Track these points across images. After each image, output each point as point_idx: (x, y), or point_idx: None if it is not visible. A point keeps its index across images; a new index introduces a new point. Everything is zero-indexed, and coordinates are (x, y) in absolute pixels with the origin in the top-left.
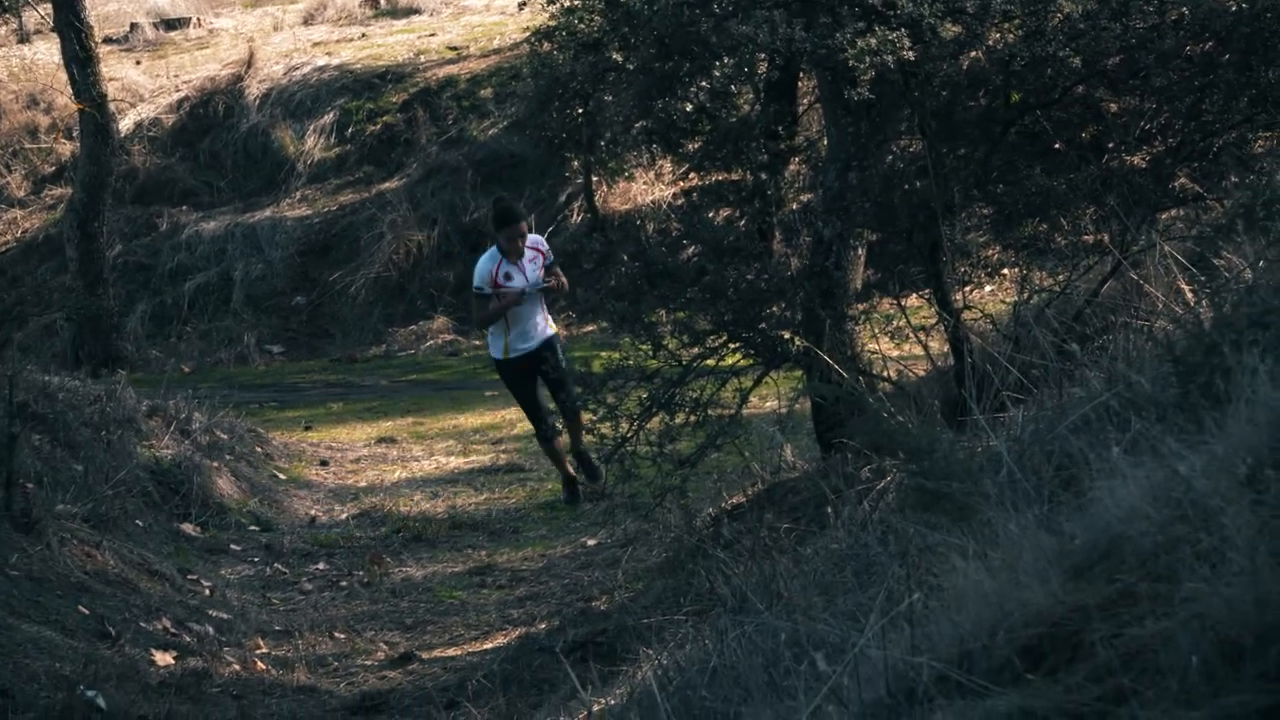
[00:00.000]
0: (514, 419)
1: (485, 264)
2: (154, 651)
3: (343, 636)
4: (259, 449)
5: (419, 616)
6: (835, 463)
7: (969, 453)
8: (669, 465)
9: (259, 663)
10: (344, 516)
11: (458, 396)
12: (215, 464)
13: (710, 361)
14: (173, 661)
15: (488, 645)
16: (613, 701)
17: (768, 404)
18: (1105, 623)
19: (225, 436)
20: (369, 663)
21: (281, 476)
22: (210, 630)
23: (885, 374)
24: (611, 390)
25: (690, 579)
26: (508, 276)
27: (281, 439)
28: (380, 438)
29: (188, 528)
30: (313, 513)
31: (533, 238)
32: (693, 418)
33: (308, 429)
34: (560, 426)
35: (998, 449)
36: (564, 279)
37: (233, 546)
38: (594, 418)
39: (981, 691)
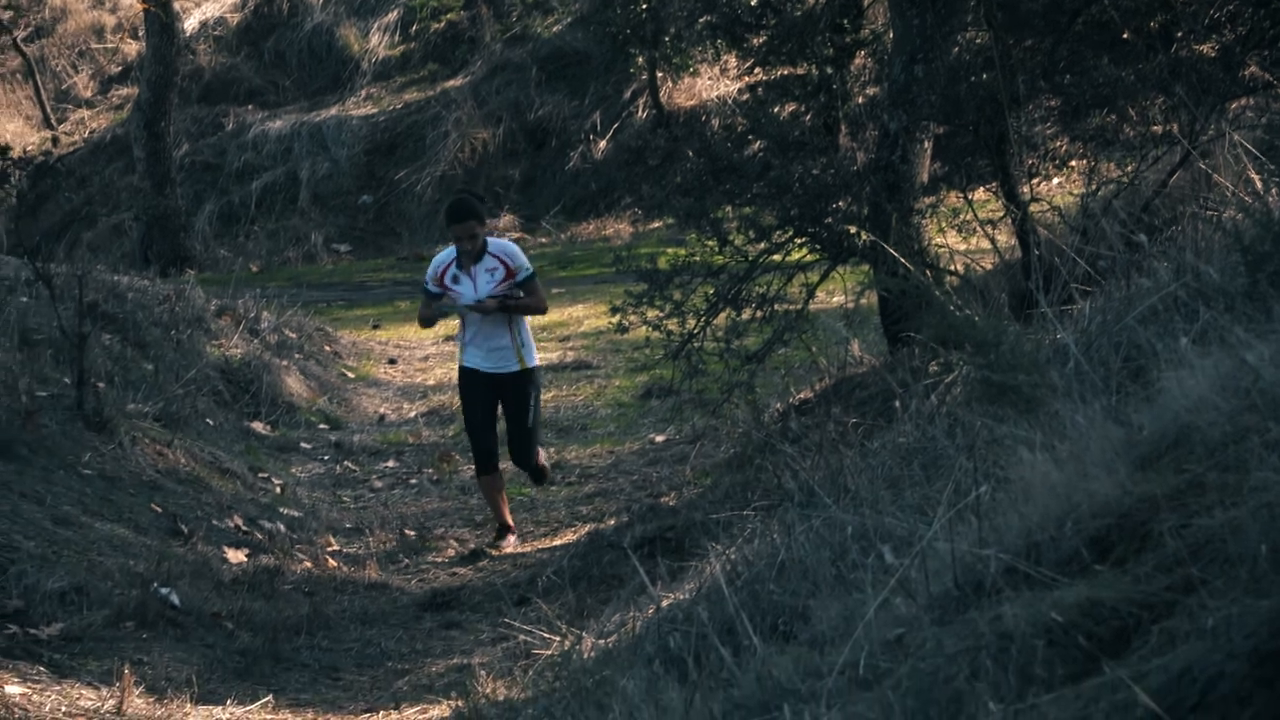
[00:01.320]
0: (581, 316)
1: (439, 259)
2: (226, 549)
3: (413, 534)
4: (327, 347)
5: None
6: (902, 357)
7: (1036, 345)
8: (736, 361)
9: (330, 560)
10: (413, 414)
11: None
12: (284, 363)
13: (776, 257)
14: (245, 559)
15: (557, 542)
16: (681, 596)
17: (834, 299)
18: (1174, 513)
19: (294, 335)
20: (439, 560)
21: (350, 375)
22: (281, 528)
23: (952, 268)
24: (678, 287)
25: (758, 474)
26: (454, 280)
27: (349, 337)
28: (447, 335)
29: (258, 426)
30: (382, 411)
31: (503, 245)
32: (759, 313)
33: (376, 327)
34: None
35: (1065, 341)
36: (531, 300)
37: (303, 444)
38: (661, 312)
39: (1049, 583)
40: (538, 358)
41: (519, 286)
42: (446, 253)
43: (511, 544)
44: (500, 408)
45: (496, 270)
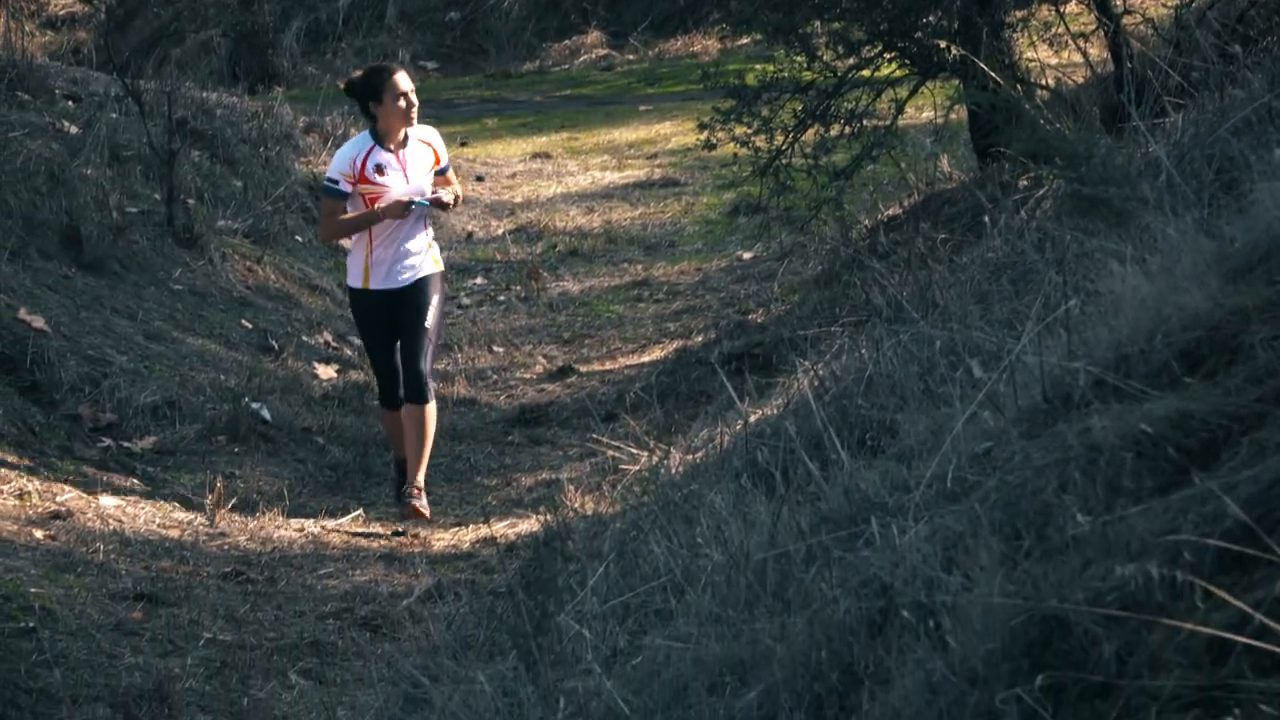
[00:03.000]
0: (669, 133)
1: (346, 150)
2: (316, 364)
3: (501, 350)
4: None
5: (576, 330)
6: (992, 172)
7: (1127, 158)
8: (824, 177)
9: None
10: (500, 231)
11: (612, 111)
12: None
13: (865, 72)
14: (334, 375)
15: (645, 358)
16: (768, 412)
17: (923, 114)
18: (1265, 325)
19: None
20: (527, 376)
21: None
22: None
23: (1043, 82)
24: (766, 103)
25: (846, 290)
26: (379, 171)
27: None
28: (535, 153)
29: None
30: (469, 228)
31: (425, 129)
32: (848, 129)
33: (463, 145)
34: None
35: (1157, 154)
36: (458, 190)
37: None
38: (749, 129)
39: (1139, 395)
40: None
41: (439, 176)
42: (355, 141)
43: (422, 507)
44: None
45: (425, 156)
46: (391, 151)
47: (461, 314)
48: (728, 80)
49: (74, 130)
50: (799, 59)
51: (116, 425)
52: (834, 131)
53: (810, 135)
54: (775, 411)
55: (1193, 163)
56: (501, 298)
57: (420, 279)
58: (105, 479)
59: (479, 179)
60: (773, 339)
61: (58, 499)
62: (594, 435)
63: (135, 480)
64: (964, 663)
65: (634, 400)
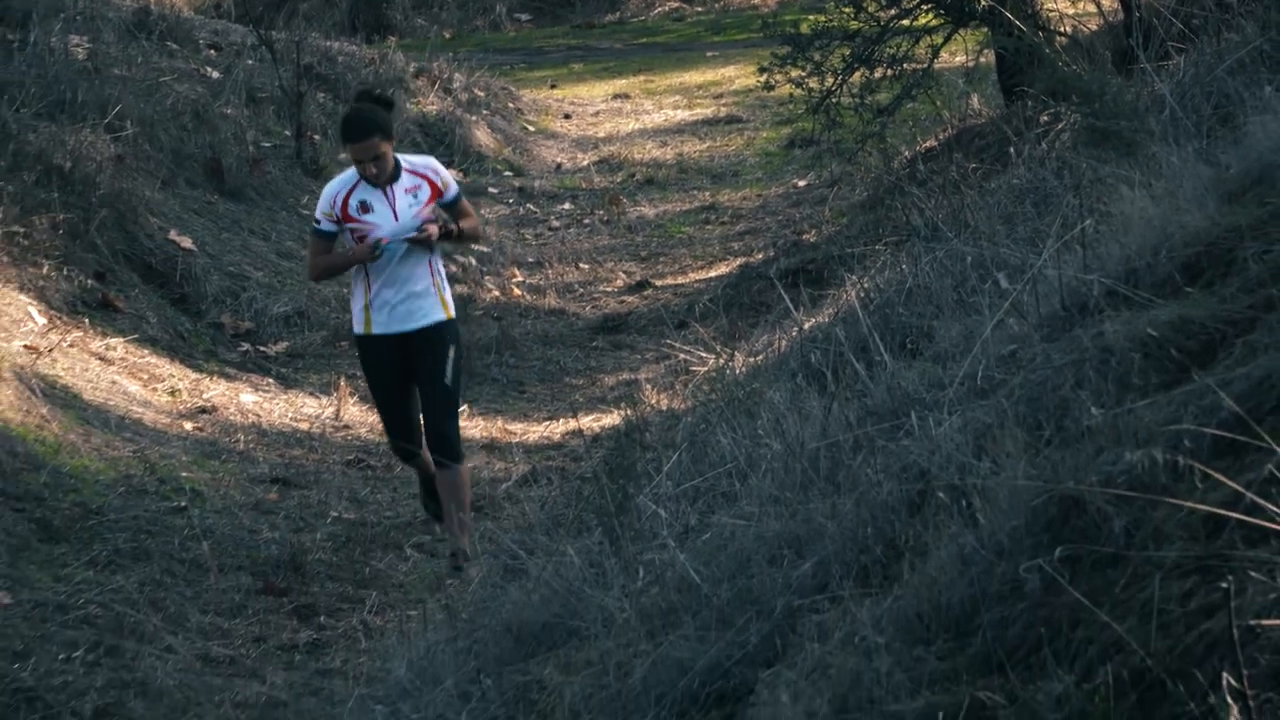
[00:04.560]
0: (733, 76)
1: (331, 187)
2: None
3: (586, 267)
4: (511, 104)
5: (652, 249)
6: (1016, 109)
7: (1136, 95)
8: (869, 114)
9: (515, 289)
10: (585, 163)
11: (683, 57)
12: (474, 118)
13: (905, 21)
14: None
15: (712, 274)
16: (820, 320)
17: (956, 59)
18: (1257, 241)
19: (482, 94)
20: (609, 289)
21: (530, 128)
22: (473, 261)
23: (1061, 29)
24: (818, 49)
25: (888, 213)
26: (364, 207)
27: (530, 96)
28: (615, 94)
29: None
30: (558, 160)
31: (423, 160)
32: (889, 72)
33: (553, 87)
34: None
35: (1162, 91)
36: (469, 224)
37: (490, 189)
38: (803, 72)
39: (1146, 303)
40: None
41: (448, 209)
42: (342, 178)
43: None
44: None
45: (420, 189)
46: (378, 188)
47: (551, 235)
48: (784, 29)
49: (215, 75)
50: (847, 10)
51: (254, 332)
52: (877, 74)
53: (857, 77)
54: (826, 319)
55: (1193, 99)
56: (586, 221)
57: (432, 325)
58: (245, 378)
59: (566, 117)
60: (824, 256)
61: (204, 396)
62: (668, 341)
63: (270, 380)
64: (992, 537)
65: (703, 310)
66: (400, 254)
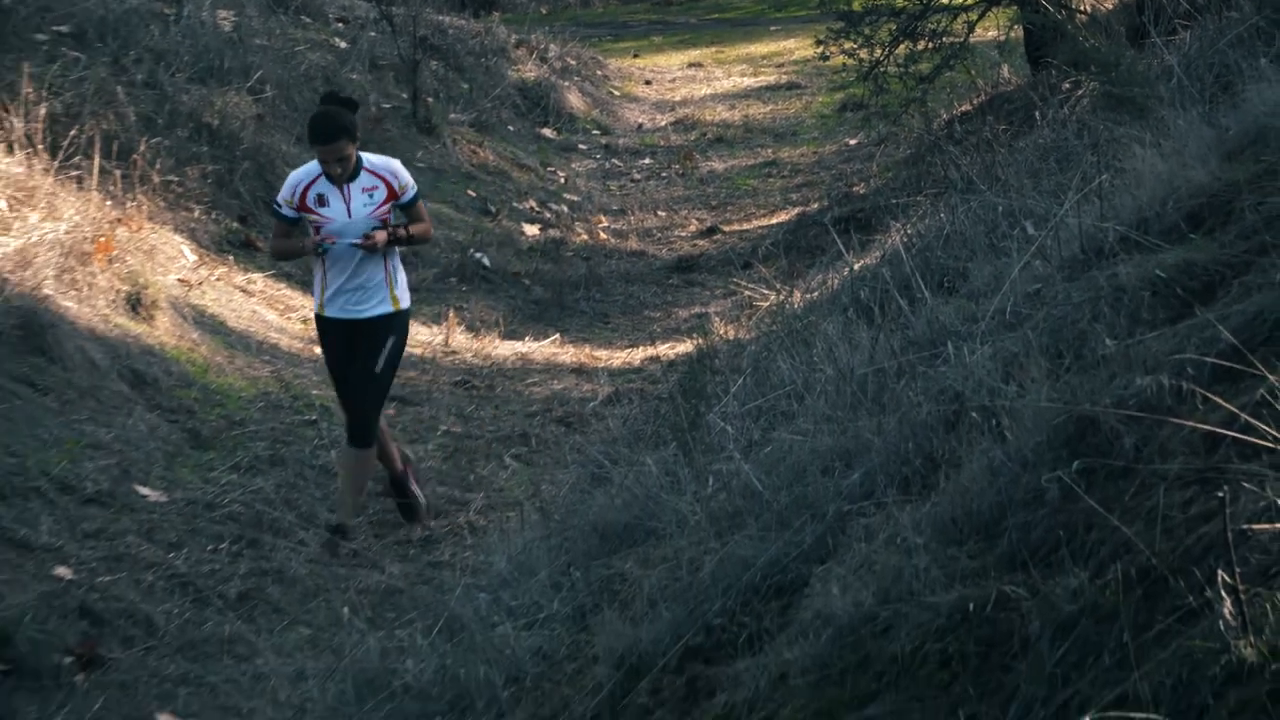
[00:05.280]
0: (793, 48)
1: (295, 175)
2: (523, 225)
3: (663, 214)
4: (598, 71)
5: (720, 199)
6: (1042, 77)
7: (1147, 66)
8: (912, 82)
9: (601, 234)
10: (663, 123)
11: (749, 30)
12: (566, 83)
13: (944, 0)
14: (538, 232)
15: (773, 221)
16: (869, 261)
17: (989, 33)
18: (1252, 194)
19: (573, 62)
20: (683, 234)
21: (615, 93)
22: (565, 209)
23: (1082, 7)
24: (868, 24)
25: (928, 169)
26: (321, 200)
27: (615, 64)
28: (690, 63)
29: (546, 132)
30: (639, 120)
31: (385, 161)
32: (930, 45)
33: (635, 56)
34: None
35: (1170, 63)
36: (420, 229)
37: (580, 146)
38: (854, 44)
39: (1154, 248)
40: (409, 295)
41: (404, 210)
42: (306, 168)
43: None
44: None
45: (376, 190)
46: (336, 185)
47: (633, 186)
48: (839, 6)
49: (343, 45)
50: None
51: None
52: (920, 46)
53: (901, 49)
54: (874, 261)
55: (1197, 70)
56: (664, 174)
57: (376, 316)
58: None
59: (647, 83)
60: (872, 206)
61: None
62: (734, 279)
63: None
64: (1017, 452)
65: (765, 253)
66: (347, 250)
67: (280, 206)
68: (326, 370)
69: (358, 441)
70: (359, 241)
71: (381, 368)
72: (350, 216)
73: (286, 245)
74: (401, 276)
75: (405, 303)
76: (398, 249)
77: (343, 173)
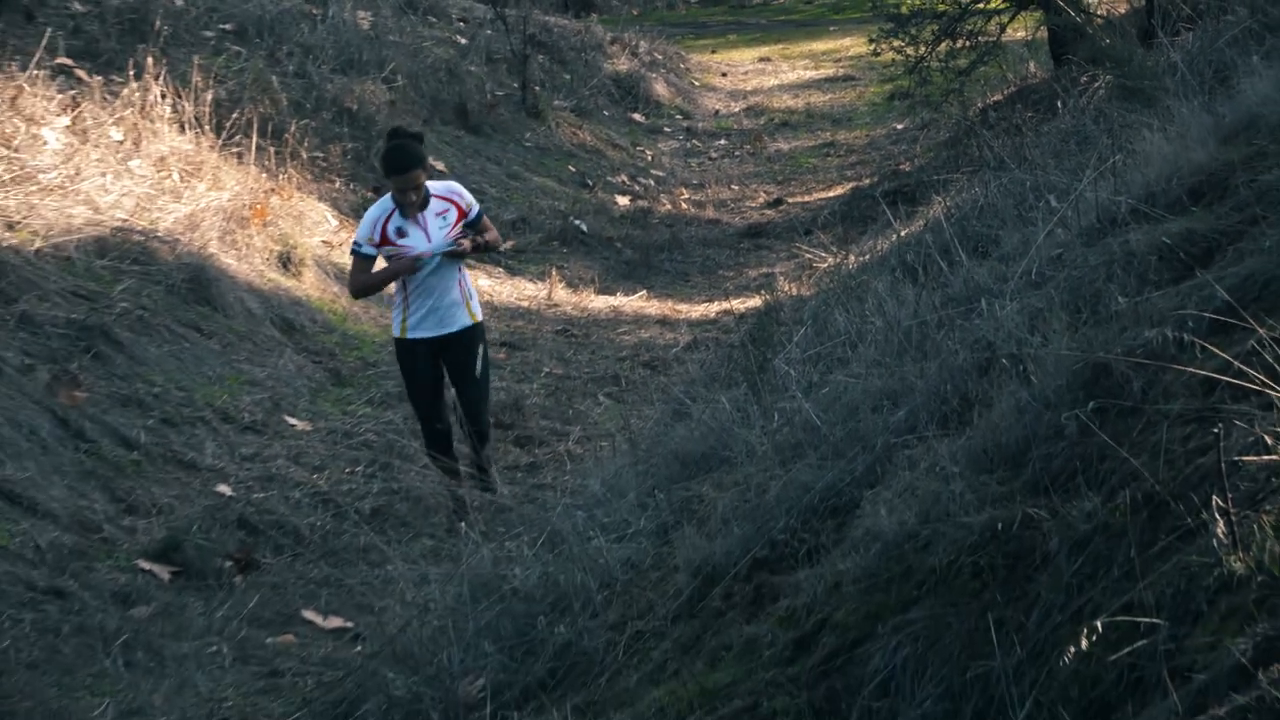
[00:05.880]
0: (849, 45)
1: (371, 214)
2: (616, 196)
3: (736, 188)
4: (681, 65)
5: (786, 175)
6: (1064, 72)
7: (1155, 62)
8: (952, 75)
9: (682, 204)
10: (737, 110)
11: (812, 30)
12: (653, 75)
13: (980, 4)
14: (628, 202)
15: (831, 194)
16: (913, 229)
17: (1018, 34)
18: (1245, 172)
19: (660, 56)
20: (753, 205)
21: (696, 83)
22: (651, 183)
23: (1099, 11)
24: (914, 25)
25: (965, 150)
26: (400, 233)
27: (695, 59)
28: (760, 58)
29: (636, 116)
30: (716, 107)
31: (446, 185)
32: (967, 43)
33: (713, 52)
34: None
35: (1175, 59)
36: (491, 236)
37: (665, 129)
38: (902, 42)
39: (1160, 219)
40: (481, 310)
41: (471, 226)
42: (378, 207)
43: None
44: (446, 372)
45: (448, 213)
46: (410, 215)
47: (710, 164)
48: (888, 9)
49: (463, 41)
50: None
51: None
52: (958, 44)
53: (943, 47)
54: (918, 229)
55: (1198, 65)
56: (737, 153)
57: (462, 329)
58: (481, 268)
59: (723, 75)
60: (916, 181)
61: None
62: (797, 244)
63: (500, 269)
64: (1040, 393)
65: (823, 221)
66: (434, 266)
67: (361, 246)
68: (408, 391)
69: (482, 438)
70: (453, 249)
71: (480, 370)
72: (430, 241)
73: (371, 279)
74: (475, 294)
75: (480, 316)
76: (467, 273)
77: (417, 200)
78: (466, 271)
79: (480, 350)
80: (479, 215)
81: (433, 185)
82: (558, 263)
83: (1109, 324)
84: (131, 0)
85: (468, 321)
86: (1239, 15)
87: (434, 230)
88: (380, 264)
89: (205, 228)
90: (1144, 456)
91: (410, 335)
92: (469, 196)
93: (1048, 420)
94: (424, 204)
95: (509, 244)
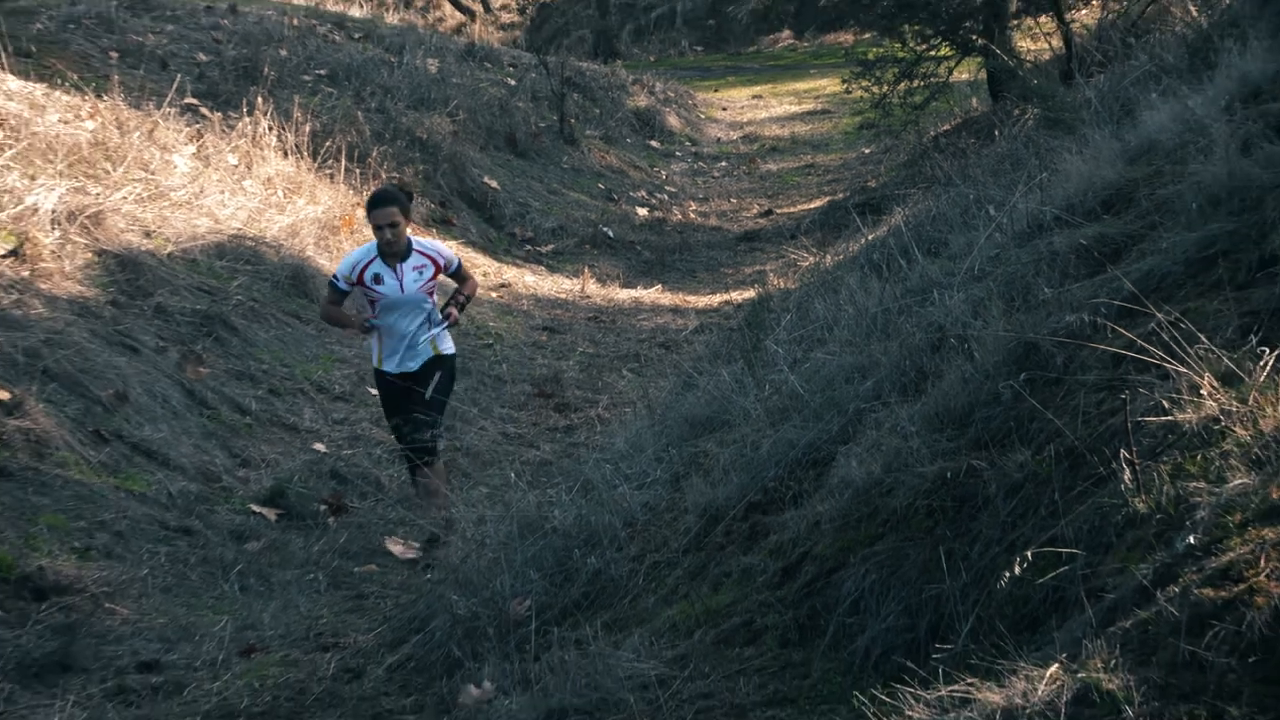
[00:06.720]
0: (825, 85)
1: (355, 255)
2: (636, 208)
3: (735, 201)
4: (689, 101)
5: (775, 191)
6: (1000, 106)
7: (1074, 98)
8: (909, 109)
9: (691, 214)
10: (735, 137)
11: (795, 72)
12: (667, 109)
13: (932, 52)
14: (647, 213)
15: (811, 206)
16: (879, 234)
17: (964, 75)
18: (1146, 187)
19: (672, 94)
20: (748, 215)
21: (701, 116)
22: (665, 197)
23: (1028, 57)
24: (878, 68)
25: (921, 169)
26: (377, 279)
27: (701, 96)
28: (754, 95)
29: (653, 143)
30: (718, 135)
31: (430, 243)
32: (922, 83)
33: (715, 91)
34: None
35: (1090, 96)
36: (469, 288)
37: (676, 153)
38: (869, 83)
39: (1078, 225)
40: (453, 346)
41: (453, 276)
42: (363, 249)
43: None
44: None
45: (425, 268)
46: (390, 265)
47: (713, 181)
48: (858, 56)
49: (512, 83)
50: (897, 45)
51: (533, 238)
52: (915, 84)
53: (902, 86)
54: (882, 233)
55: (1109, 101)
56: (735, 173)
57: (425, 363)
58: (527, 266)
59: (723, 109)
60: (881, 195)
61: (502, 276)
62: (784, 246)
63: (542, 267)
64: (982, 367)
65: (806, 228)
66: (406, 314)
67: (338, 280)
68: (383, 410)
69: (427, 456)
70: (447, 324)
71: (432, 393)
72: (403, 291)
73: (336, 314)
74: (445, 336)
75: (447, 350)
76: (435, 318)
77: (394, 240)
78: (435, 320)
79: (436, 377)
80: (458, 268)
81: (419, 241)
82: (589, 262)
83: (1037, 310)
84: (245, 51)
85: (429, 355)
86: (1141, 60)
87: (408, 282)
88: (349, 301)
89: (304, 235)
90: (1065, 418)
91: (384, 369)
92: (450, 254)
93: (987, 389)
94: (405, 255)
95: (549, 247)
